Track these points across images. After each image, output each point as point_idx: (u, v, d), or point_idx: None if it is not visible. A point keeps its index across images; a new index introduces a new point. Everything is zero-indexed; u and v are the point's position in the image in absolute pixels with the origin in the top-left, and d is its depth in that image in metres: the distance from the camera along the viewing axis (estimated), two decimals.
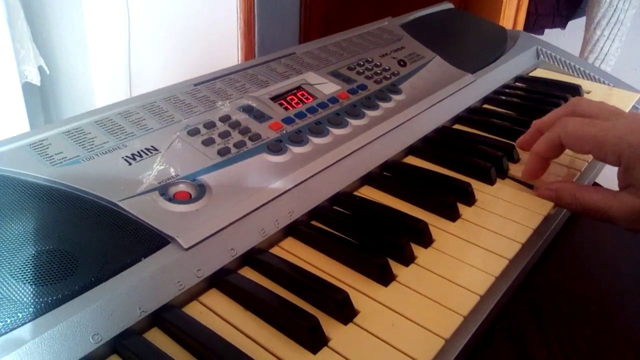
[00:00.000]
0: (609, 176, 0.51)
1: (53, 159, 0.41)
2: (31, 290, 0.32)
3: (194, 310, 0.36)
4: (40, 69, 1.20)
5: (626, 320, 0.42)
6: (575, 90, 0.71)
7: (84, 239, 0.36)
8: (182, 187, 0.41)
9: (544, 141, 0.49)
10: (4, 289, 0.32)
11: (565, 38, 1.60)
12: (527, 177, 0.52)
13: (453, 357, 0.34)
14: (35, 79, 1.19)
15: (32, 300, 0.31)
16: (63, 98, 1.37)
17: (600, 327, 0.41)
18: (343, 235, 0.43)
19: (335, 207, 0.47)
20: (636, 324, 0.41)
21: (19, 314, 0.31)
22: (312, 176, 0.46)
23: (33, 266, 0.33)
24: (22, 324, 0.30)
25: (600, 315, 0.42)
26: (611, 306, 0.43)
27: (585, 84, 0.74)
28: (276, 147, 0.47)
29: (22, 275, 0.33)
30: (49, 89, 1.36)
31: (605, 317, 0.42)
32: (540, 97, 0.68)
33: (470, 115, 0.63)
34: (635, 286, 0.45)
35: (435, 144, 0.57)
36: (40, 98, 1.38)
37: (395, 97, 0.59)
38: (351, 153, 0.50)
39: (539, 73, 0.79)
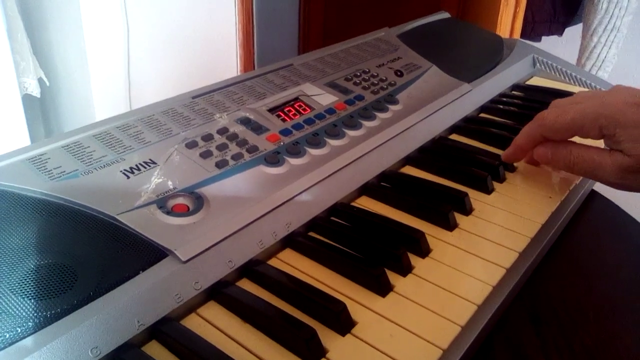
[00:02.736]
0: None
1: (52, 173, 0.41)
2: (30, 304, 0.32)
3: (192, 322, 0.36)
4: (40, 80, 1.21)
5: (625, 328, 0.42)
6: None
7: (83, 253, 0.36)
8: (180, 199, 0.41)
9: (524, 136, 0.53)
10: (3, 303, 0.32)
11: (562, 45, 1.60)
12: (505, 160, 0.55)
13: None
14: (35, 91, 1.20)
15: (31, 315, 0.32)
16: (63, 109, 1.37)
17: (600, 335, 0.41)
18: (341, 246, 0.43)
19: (332, 218, 0.47)
20: (635, 332, 0.41)
21: (17, 328, 0.31)
22: (310, 187, 0.46)
23: (32, 280, 0.33)
24: (21, 338, 0.30)
25: (599, 323, 0.42)
26: (610, 314, 0.43)
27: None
28: (273, 159, 0.47)
29: (21, 290, 0.33)
30: (49, 101, 1.36)
31: (605, 325, 0.42)
32: (537, 105, 0.68)
33: (467, 125, 0.64)
34: (634, 294, 0.45)
35: (432, 153, 0.57)
36: (41, 110, 1.39)
37: (392, 108, 0.59)
38: (348, 164, 0.50)
39: (536, 81, 0.79)
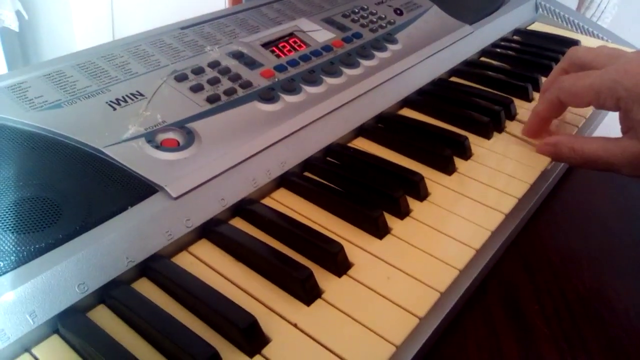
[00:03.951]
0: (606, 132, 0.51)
1: (33, 102, 0.39)
2: (12, 238, 0.31)
3: (183, 260, 0.35)
4: (18, 13, 1.15)
5: (618, 276, 0.42)
6: (574, 45, 0.69)
7: (67, 187, 0.34)
8: (169, 134, 0.39)
9: (543, 102, 0.48)
10: None
11: None
12: (526, 136, 0.51)
13: (447, 310, 0.34)
14: (13, 24, 1.14)
15: (13, 249, 0.30)
16: (43, 44, 1.31)
17: (592, 283, 0.41)
18: (337, 187, 0.42)
19: (328, 159, 0.46)
20: (628, 280, 0.41)
21: (0, 263, 0.29)
22: (305, 126, 0.44)
23: (14, 214, 0.32)
24: (4, 273, 0.29)
25: (591, 271, 0.42)
26: (603, 262, 0.43)
27: (582, 39, 0.72)
28: (268, 95, 0.45)
29: (3, 223, 0.31)
30: (29, 35, 1.30)
31: (597, 273, 0.42)
32: (537, 50, 0.66)
33: (468, 68, 0.62)
34: (628, 243, 0.45)
35: (432, 96, 0.55)
36: (19, 45, 1.33)
37: (391, 47, 0.56)
38: (345, 103, 0.48)
39: (538, 27, 0.77)
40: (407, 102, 0.54)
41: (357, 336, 0.30)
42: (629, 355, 0.35)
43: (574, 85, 0.45)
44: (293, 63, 0.50)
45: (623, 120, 0.43)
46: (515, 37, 0.73)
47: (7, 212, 0.32)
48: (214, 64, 0.46)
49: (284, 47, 0.52)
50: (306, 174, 0.44)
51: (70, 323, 0.29)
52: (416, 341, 0.32)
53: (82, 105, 0.39)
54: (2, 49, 1.15)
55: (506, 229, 0.41)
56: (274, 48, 0.51)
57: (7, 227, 0.31)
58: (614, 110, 0.43)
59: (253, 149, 0.41)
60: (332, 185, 0.42)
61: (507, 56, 0.66)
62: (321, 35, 0.55)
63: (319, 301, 0.32)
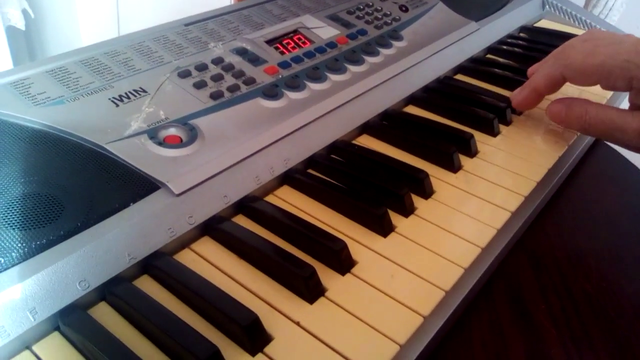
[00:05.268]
0: None
1: (36, 98, 0.39)
2: (14, 234, 0.30)
3: (185, 258, 0.34)
4: (24, 12, 1.15)
5: (625, 275, 0.41)
6: None
7: (69, 183, 0.34)
8: (172, 130, 0.39)
9: (543, 77, 0.47)
10: None
11: None
12: (515, 106, 0.51)
13: (452, 309, 0.33)
14: (20, 23, 1.14)
15: (15, 245, 0.30)
16: (49, 43, 1.32)
17: (600, 282, 0.40)
18: (340, 185, 0.41)
19: (332, 156, 0.45)
20: (635, 280, 0.41)
21: (1, 259, 0.29)
22: (309, 123, 0.44)
23: (16, 210, 0.32)
24: (5, 269, 0.29)
25: (599, 270, 0.41)
26: (610, 261, 0.42)
27: None
28: (272, 92, 0.44)
29: (5, 219, 0.31)
30: (35, 34, 1.30)
31: (604, 272, 0.41)
32: (544, 48, 0.66)
33: (473, 65, 0.61)
34: (635, 242, 0.45)
35: (437, 93, 0.55)
36: (26, 43, 1.33)
37: (396, 44, 0.56)
38: (350, 100, 0.48)
39: (544, 24, 0.76)
40: (412, 99, 0.54)
41: (361, 335, 0.30)
42: (637, 355, 0.35)
43: (583, 64, 0.44)
44: (297, 60, 0.49)
45: (634, 99, 0.43)
46: (521, 34, 0.72)
47: (8, 208, 0.32)
48: (217, 61, 0.46)
49: (288, 43, 0.51)
50: (310, 171, 0.43)
51: (71, 320, 0.29)
52: (421, 340, 0.31)
53: (85, 101, 0.39)
54: (8, 47, 1.15)
55: (512, 227, 0.41)
56: (278, 45, 0.51)
57: (9, 223, 0.31)
58: (625, 90, 0.43)
59: (256, 145, 0.40)
60: (336, 183, 0.41)
61: (513, 53, 0.65)
62: (326, 32, 0.54)
63: (322, 299, 0.32)
